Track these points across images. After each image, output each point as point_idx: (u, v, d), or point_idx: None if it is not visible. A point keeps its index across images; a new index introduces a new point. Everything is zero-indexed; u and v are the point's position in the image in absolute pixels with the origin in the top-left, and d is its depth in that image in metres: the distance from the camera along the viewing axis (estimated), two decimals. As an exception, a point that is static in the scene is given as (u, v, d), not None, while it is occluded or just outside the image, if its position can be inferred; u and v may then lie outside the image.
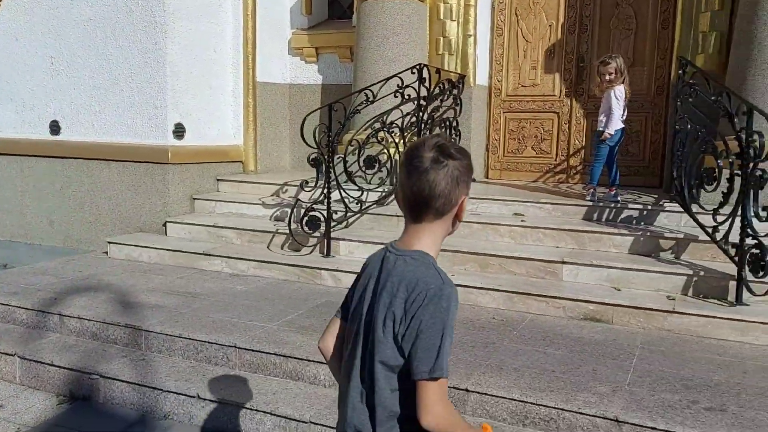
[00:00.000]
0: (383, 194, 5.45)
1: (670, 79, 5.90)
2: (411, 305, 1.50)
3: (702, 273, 4.10)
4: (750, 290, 3.82)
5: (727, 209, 3.99)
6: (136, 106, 6.14)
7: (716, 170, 4.20)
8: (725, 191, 4.04)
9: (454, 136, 6.23)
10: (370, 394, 1.57)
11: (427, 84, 5.65)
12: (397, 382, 1.56)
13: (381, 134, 5.43)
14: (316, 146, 5.10)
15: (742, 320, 3.71)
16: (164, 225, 5.97)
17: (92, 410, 3.52)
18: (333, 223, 5.09)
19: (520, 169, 6.70)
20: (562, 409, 2.91)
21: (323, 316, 4.09)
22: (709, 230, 4.13)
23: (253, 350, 3.56)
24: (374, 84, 5.44)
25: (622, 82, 5.11)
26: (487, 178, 6.79)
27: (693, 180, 4.51)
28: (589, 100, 6.29)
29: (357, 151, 5.33)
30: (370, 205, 5.30)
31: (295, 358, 3.45)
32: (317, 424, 3.03)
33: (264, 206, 5.91)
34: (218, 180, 6.53)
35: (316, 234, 5.09)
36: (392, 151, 5.53)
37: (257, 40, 6.85)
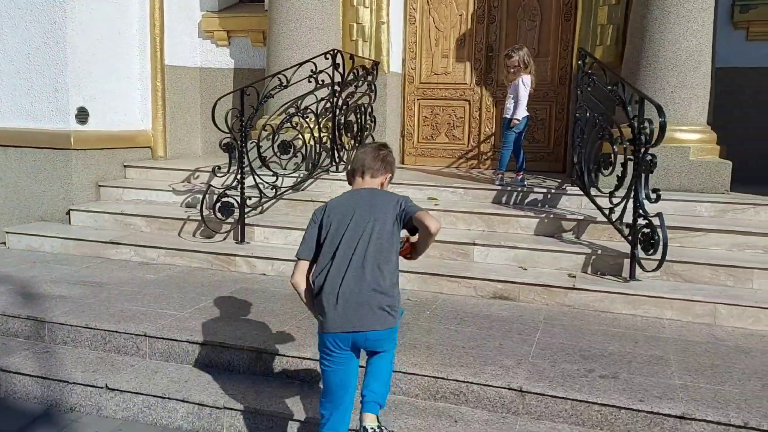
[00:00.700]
0: (299, 179, 5.44)
1: (572, 69, 6.21)
2: (401, 201, 2.54)
3: (600, 252, 4.37)
4: (642, 267, 4.12)
5: (621, 192, 4.27)
6: (35, 89, 5.82)
7: (612, 155, 4.48)
8: (620, 175, 4.32)
9: (369, 122, 6.30)
10: (377, 263, 2.43)
11: (341, 70, 5.67)
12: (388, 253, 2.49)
13: (296, 119, 5.42)
14: (228, 131, 5.02)
15: (634, 295, 4.00)
16: (68, 213, 5.71)
17: (-9, 407, 3.35)
18: (247, 209, 5.03)
19: (434, 155, 6.86)
20: (471, 383, 3.05)
21: (238, 302, 4.07)
22: (606, 212, 4.41)
23: (164, 338, 3.49)
24: (288, 69, 5.41)
25: (529, 72, 5.33)
26: (403, 163, 6.91)
27: (591, 165, 4.79)
28: (498, 88, 6.52)
29: (271, 137, 5.30)
30: (286, 191, 5.28)
31: (207, 344, 3.42)
32: (231, 409, 3.02)
33: (174, 193, 5.76)
34: (126, 166, 6.29)
35: (230, 220, 5.02)
36: (307, 136, 5.52)
37: (165, 23, 6.63)
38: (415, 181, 5.49)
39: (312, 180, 5.56)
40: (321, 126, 5.60)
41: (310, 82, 5.46)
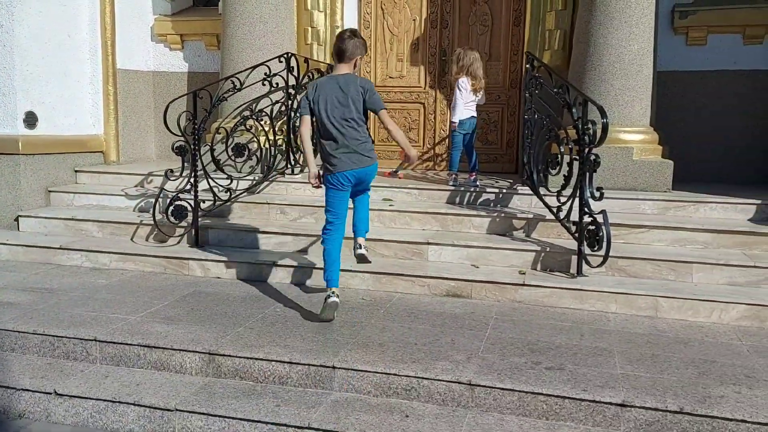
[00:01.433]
0: (254, 182, 5.44)
1: (522, 73, 6.36)
2: (366, 86, 3.71)
3: (549, 249, 4.50)
4: (588, 263, 4.25)
5: (568, 191, 4.41)
6: (-20, 93, 5.68)
7: (559, 156, 4.62)
8: (566, 174, 4.46)
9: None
10: (357, 124, 3.72)
11: (295, 73, 5.70)
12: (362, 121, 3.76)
13: (250, 122, 5.42)
14: (181, 134, 4.99)
15: (581, 290, 4.13)
16: (16, 220, 5.58)
17: (-66, 417, 3.27)
18: (201, 213, 5.01)
19: (391, 157, 6.92)
20: (422, 378, 3.11)
21: (190, 305, 4.05)
22: (555, 210, 4.54)
23: (115, 342, 3.46)
24: (241, 72, 5.41)
25: (466, 74, 5.45)
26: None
27: (540, 165, 4.93)
28: (452, 91, 6.61)
29: (225, 140, 5.29)
30: (240, 193, 5.28)
31: (159, 347, 3.40)
32: (183, 410, 3.02)
33: (127, 197, 5.69)
34: (77, 171, 6.18)
35: (183, 224, 4.99)
36: (262, 139, 5.53)
37: (117, 26, 6.55)
38: (371, 183, 5.53)
39: (267, 182, 5.56)
40: (276, 129, 5.61)
41: (264, 85, 5.48)
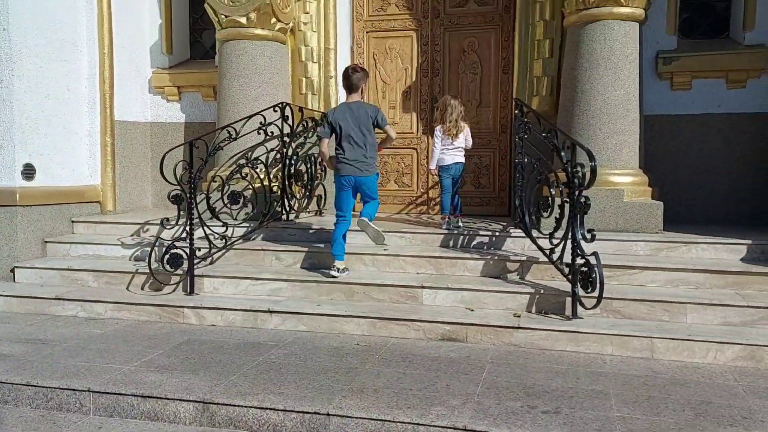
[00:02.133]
0: (249, 229, 5.49)
1: (512, 118, 6.48)
2: (374, 112, 4.97)
3: (543, 291, 4.52)
4: (582, 304, 4.27)
5: (560, 233, 4.45)
6: (-21, 146, 5.77)
7: (550, 198, 4.68)
8: (558, 216, 4.51)
9: (320, 171, 6.43)
10: (365, 144, 4.93)
11: (290, 122, 5.82)
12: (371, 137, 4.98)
13: (245, 170, 5.50)
14: (176, 183, 5.06)
15: (576, 332, 4.13)
16: (12, 271, 5.60)
17: None
18: (197, 260, 5.04)
19: (385, 201, 6.99)
20: (417, 424, 3.08)
21: (185, 354, 4.04)
22: (547, 252, 4.58)
23: (108, 393, 3.44)
24: (237, 121, 5.52)
25: (442, 122, 5.60)
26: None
27: (532, 208, 4.98)
28: (444, 137, 6.74)
29: (221, 187, 5.35)
30: (236, 240, 5.31)
31: (153, 397, 3.38)
32: (177, 461, 2.99)
33: (123, 246, 5.72)
34: (73, 221, 6.23)
35: (179, 272, 5.01)
36: (257, 186, 5.60)
37: (115, 79, 6.70)
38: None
39: (262, 229, 5.61)
40: (271, 176, 5.69)
41: (259, 133, 5.58)
